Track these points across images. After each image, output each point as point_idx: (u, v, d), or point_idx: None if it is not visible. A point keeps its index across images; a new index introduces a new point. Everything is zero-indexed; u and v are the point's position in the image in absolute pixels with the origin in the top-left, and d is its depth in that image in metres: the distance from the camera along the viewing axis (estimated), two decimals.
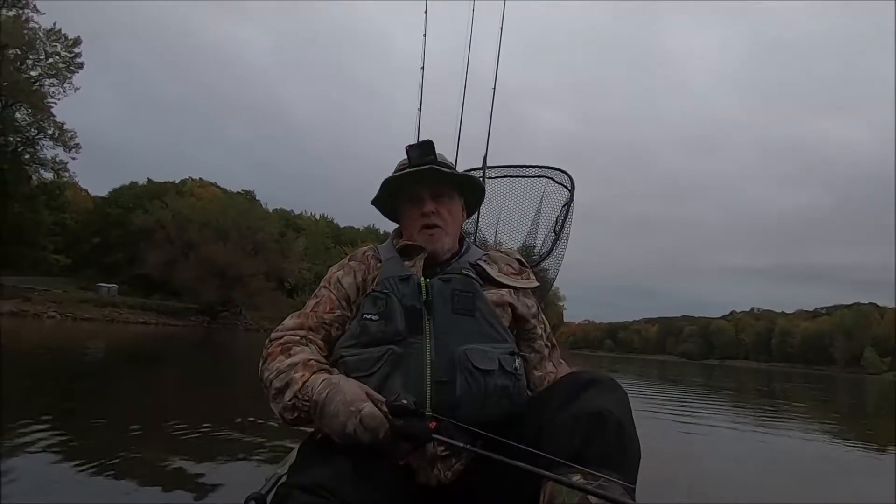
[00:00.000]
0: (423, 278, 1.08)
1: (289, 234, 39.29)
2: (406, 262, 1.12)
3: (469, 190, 1.25)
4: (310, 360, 0.98)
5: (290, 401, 0.94)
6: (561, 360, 1.20)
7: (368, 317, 1.03)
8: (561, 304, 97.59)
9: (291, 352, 1.00)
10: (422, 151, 1.14)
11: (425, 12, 2.18)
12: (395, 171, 1.19)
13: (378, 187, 1.20)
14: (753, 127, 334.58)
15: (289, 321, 1.09)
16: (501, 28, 2.15)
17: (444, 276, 1.09)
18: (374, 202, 1.25)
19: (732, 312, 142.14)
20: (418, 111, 2.03)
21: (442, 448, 0.94)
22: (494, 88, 2.09)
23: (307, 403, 0.92)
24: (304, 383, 0.93)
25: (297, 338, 1.04)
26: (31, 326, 17.12)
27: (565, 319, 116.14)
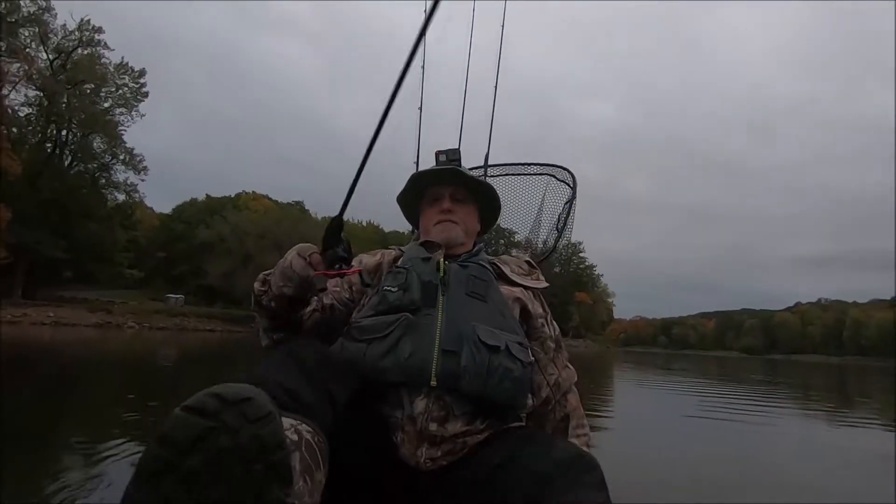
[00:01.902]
0: (441, 259, 1.14)
1: None
2: None
3: (487, 204, 1.34)
4: None
5: (260, 278, 1.11)
6: (567, 364, 1.22)
7: (388, 288, 1.08)
8: (610, 300, 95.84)
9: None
10: (448, 157, 1.31)
11: (424, 11, 2.30)
12: (412, 177, 1.32)
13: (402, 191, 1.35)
14: (817, 105, 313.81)
15: None
16: (503, 26, 2.17)
17: (462, 262, 1.16)
18: (399, 197, 1.35)
19: (797, 304, 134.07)
20: (419, 110, 2.05)
21: (434, 426, 0.94)
22: (496, 87, 2.12)
23: (270, 272, 1.08)
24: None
25: None
26: (114, 336, 18.78)
27: (616, 316, 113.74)
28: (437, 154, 1.31)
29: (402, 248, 1.27)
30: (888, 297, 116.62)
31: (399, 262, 1.17)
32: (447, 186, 1.26)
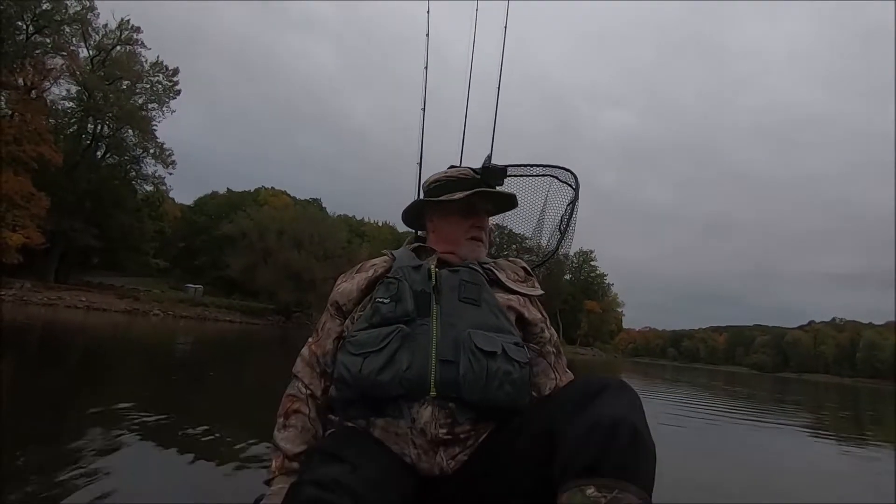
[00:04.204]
0: (432, 266, 1.14)
1: (354, 241, 41.67)
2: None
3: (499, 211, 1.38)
4: (291, 452, 1.07)
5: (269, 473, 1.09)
6: (567, 370, 1.20)
7: (381, 300, 1.07)
8: (620, 310, 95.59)
9: (289, 422, 1.11)
10: (498, 174, 1.27)
11: (427, 11, 2.21)
12: (450, 178, 1.25)
13: (424, 187, 1.32)
14: (842, 119, 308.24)
15: (299, 364, 1.18)
16: (505, 27, 2.16)
17: (453, 267, 1.15)
18: (441, 201, 1.23)
19: (811, 322, 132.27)
20: (422, 111, 2.05)
21: (444, 431, 0.95)
22: (499, 88, 2.11)
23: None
24: (272, 478, 1.06)
25: (303, 396, 1.13)
26: (142, 322, 19.76)
27: (625, 326, 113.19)
28: (488, 168, 1.26)
29: (393, 252, 1.26)
30: None
31: (391, 272, 1.15)
32: (489, 203, 1.27)
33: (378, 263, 1.22)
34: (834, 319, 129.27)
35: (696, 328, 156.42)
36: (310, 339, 1.20)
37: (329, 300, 1.20)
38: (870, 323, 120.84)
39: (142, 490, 2.03)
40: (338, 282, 1.22)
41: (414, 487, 0.94)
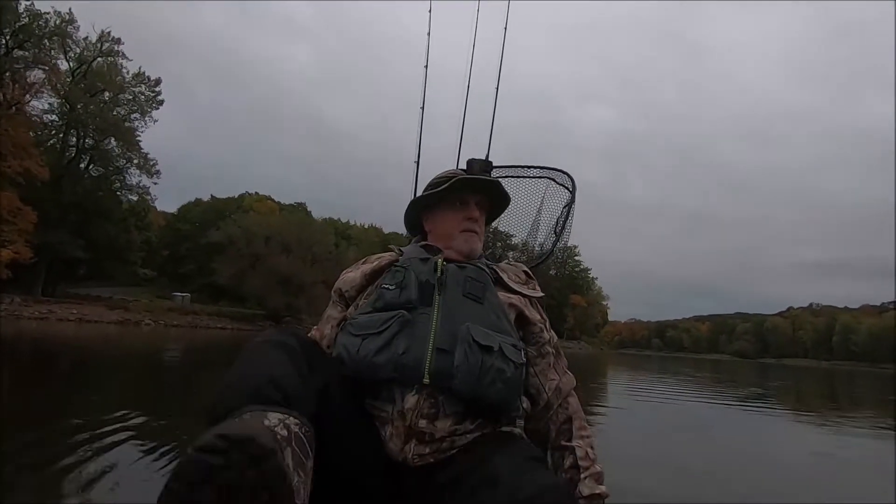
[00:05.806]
0: (440, 260, 1.15)
1: (341, 245, 42.07)
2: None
3: (496, 211, 1.37)
4: None
5: None
6: (566, 370, 1.20)
7: (386, 286, 1.10)
8: (605, 303, 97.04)
9: None
10: (483, 167, 1.28)
11: (429, 11, 2.23)
12: (440, 178, 1.29)
13: (411, 190, 1.35)
14: (817, 113, 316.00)
15: None
16: (505, 28, 2.17)
17: (460, 264, 1.17)
18: (424, 197, 1.30)
19: (789, 309, 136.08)
20: (421, 110, 2.05)
21: (424, 422, 0.95)
22: (497, 88, 2.11)
23: None
24: None
25: None
26: (134, 332, 19.88)
27: (610, 318, 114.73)
28: (471, 162, 1.29)
29: (401, 248, 1.29)
30: (879, 304, 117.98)
31: (399, 262, 1.18)
32: (475, 194, 1.27)
33: (384, 256, 1.26)
34: (811, 305, 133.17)
35: (681, 318, 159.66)
36: (315, 325, 1.25)
37: (333, 289, 1.24)
38: (845, 307, 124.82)
39: (138, 497, 2.04)
40: (343, 273, 1.26)
41: (378, 454, 0.96)
